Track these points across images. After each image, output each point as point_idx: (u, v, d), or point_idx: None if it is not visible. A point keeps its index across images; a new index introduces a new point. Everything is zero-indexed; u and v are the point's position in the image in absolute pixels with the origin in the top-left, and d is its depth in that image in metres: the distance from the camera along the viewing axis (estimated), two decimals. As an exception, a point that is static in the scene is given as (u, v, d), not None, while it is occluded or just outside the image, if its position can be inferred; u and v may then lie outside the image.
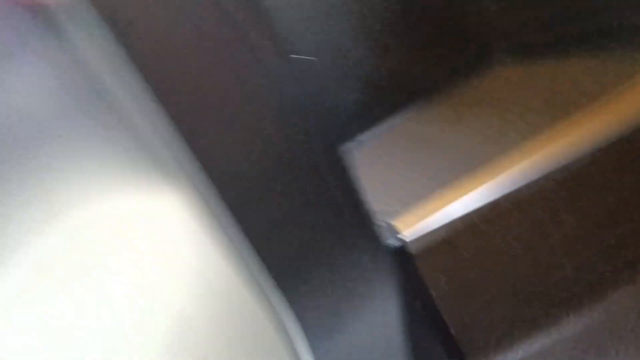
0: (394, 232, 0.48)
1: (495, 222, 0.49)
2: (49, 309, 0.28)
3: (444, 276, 0.51)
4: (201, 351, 0.33)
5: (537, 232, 0.49)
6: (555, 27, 0.73)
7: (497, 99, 0.72)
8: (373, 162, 0.66)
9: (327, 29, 0.79)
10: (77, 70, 0.31)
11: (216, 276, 0.35)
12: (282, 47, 0.40)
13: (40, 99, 0.28)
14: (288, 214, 0.37)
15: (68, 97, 0.29)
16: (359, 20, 0.80)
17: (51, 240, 0.29)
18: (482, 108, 0.71)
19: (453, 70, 0.77)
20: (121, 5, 0.31)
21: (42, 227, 0.28)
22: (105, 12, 0.30)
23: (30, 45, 0.29)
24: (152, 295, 0.33)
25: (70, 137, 0.31)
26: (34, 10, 0.30)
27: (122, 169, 0.33)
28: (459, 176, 0.51)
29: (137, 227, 0.34)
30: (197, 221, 0.35)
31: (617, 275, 0.51)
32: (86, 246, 0.30)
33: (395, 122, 0.78)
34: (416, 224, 0.49)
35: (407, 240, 0.48)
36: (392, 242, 0.46)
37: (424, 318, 0.45)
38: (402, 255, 0.46)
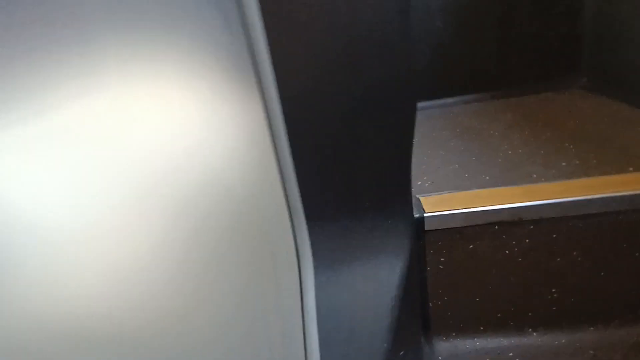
0: (419, 205, 0.53)
1: (510, 231, 0.53)
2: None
3: (444, 258, 0.56)
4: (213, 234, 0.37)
5: (545, 256, 0.53)
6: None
7: (563, 120, 0.72)
8: (427, 134, 0.67)
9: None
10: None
11: (256, 176, 0.39)
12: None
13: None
14: (341, 152, 0.40)
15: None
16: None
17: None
18: (546, 123, 0.71)
19: (538, 77, 0.76)
20: None
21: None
22: None
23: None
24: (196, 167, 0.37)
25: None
26: None
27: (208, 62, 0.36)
28: (496, 182, 0.54)
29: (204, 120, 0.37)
30: (254, 127, 0.39)
31: (597, 316, 0.56)
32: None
33: (467, 100, 0.79)
34: (439, 206, 0.54)
35: (425, 215, 0.53)
36: (416, 214, 0.50)
37: (415, 287, 0.50)
38: (419, 228, 0.50)
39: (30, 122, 0.30)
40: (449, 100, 0.82)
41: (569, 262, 0.53)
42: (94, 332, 0.35)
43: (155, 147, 0.35)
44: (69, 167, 0.32)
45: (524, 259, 0.54)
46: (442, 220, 0.53)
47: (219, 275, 0.38)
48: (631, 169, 0.55)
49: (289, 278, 0.44)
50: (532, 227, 0.52)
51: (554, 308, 0.56)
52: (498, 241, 0.53)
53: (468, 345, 0.59)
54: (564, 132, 0.67)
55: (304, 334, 0.45)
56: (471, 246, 0.55)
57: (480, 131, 0.69)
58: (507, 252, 0.54)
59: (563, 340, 0.57)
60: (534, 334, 0.58)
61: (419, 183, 0.57)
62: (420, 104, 0.84)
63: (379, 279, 0.46)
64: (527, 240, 0.53)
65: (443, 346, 0.57)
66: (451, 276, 0.56)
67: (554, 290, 0.55)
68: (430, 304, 0.57)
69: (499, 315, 0.58)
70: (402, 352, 0.50)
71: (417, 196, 0.55)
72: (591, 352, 0.53)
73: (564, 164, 0.58)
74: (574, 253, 0.53)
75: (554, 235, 0.53)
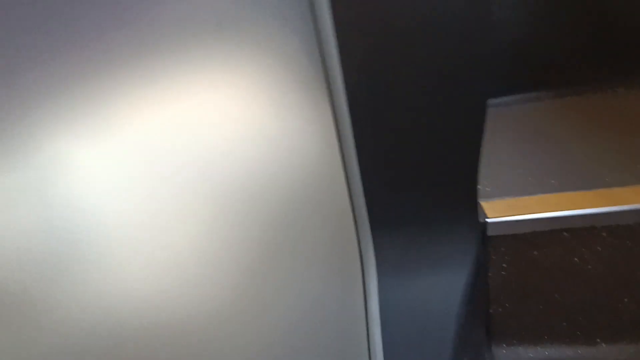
0: (482, 212, 0.51)
1: (582, 238, 0.50)
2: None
3: (506, 264, 0.54)
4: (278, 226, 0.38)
5: (618, 263, 0.50)
6: None
7: (636, 119, 0.67)
8: (496, 137, 0.65)
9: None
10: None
11: (323, 178, 0.39)
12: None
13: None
14: (407, 157, 0.40)
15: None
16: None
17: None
18: (618, 122, 0.67)
19: (608, 75, 0.71)
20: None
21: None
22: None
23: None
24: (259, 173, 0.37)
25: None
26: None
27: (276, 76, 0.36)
28: (566, 187, 0.51)
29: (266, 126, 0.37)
30: (323, 139, 0.39)
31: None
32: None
33: (535, 97, 0.75)
34: (502, 211, 0.52)
35: (489, 222, 0.51)
36: (481, 220, 0.49)
37: (479, 294, 0.49)
38: (483, 234, 0.49)
39: (109, 132, 0.31)
40: (517, 97, 0.79)
41: (644, 271, 0.50)
42: (165, 327, 0.36)
43: (232, 152, 0.36)
44: (148, 174, 0.33)
45: (595, 268, 0.51)
46: (507, 226, 0.51)
47: (285, 279, 0.39)
48: None
49: (353, 284, 0.44)
50: (604, 234, 0.50)
51: (625, 318, 0.53)
52: (567, 248, 0.51)
53: (531, 354, 0.57)
54: (638, 132, 0.63)
55: (368, 339, 0.45)
56: (536, 252, 0.53)
57: (549, 131, 0.66)
58: (576, 259, 0.52)
59: (632, 351, 0.54)
60: (603, 344, 0.55)
61: (481, 187, 0.55)
62: (490, 101, 0.81)
63: (443, 287, 0.45)
64: (599, 248, 0.50)
65: (505, 354, 0.56)
66: (515, 283, 0.54)
67: (626, 300, 0.53)
68: (491, 311, 0.55)
69: (564, 324, 0.55)
70: (465, 360, 0.49)
71: (480, 201, 0.54)
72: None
73: (639, 166, 0.54)
74: (651, 262, 0.50)
75: (628, 243, 0.50)
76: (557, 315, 0.55)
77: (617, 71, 0.79)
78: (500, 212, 0.51)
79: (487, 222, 0.52)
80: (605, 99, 0.71)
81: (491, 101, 0.74)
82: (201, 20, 0.31)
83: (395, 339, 0.45)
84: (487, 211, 0.52)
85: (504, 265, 0.54)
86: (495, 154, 0.58)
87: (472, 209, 0.43)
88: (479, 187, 0.54)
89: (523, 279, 0.54)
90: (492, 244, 0.52)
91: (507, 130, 0.64)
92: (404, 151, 0.41)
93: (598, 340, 0.54)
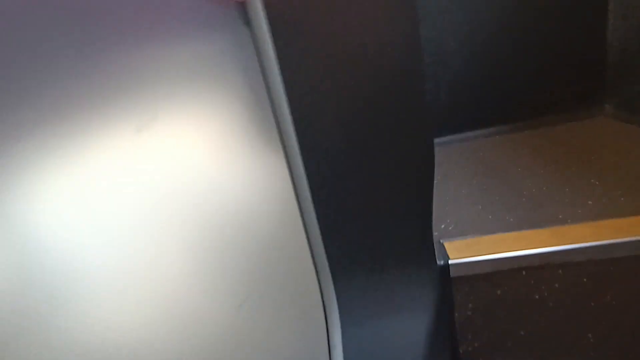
0: (445, 253, 0.53)
1: (539, 276, 0.52)
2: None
3: (471, 303, 0.55)
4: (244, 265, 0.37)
5: (577, 299, 0.52)
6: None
7: (587, 153, 0.71)
8: (449, 172, 0.67)
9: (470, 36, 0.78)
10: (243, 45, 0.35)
11: (282, 228, 0.39)
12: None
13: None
14: (362, 203, 0.40)
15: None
16: (499, 34, 0.77)
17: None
18: (570, 156, 0.70)
19: (562, 106, 0.75)
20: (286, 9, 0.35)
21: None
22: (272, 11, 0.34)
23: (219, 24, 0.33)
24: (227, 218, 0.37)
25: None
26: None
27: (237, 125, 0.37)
28: (522, 224, 0.53)
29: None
30: (279, 185, 0.40)
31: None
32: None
33: (487, 133, 0.78)
34: (464, 252, 0.53)
35: (451, 263, 0.53)
36: (440, 260, 0.50)
37: (445, 335, 0.50)
38: (444, 275, 0.50)
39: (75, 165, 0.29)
40: (469, 134, 0.82)
41: (602, 305, 0.52)
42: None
43: (190, 193, 0.35)
44: (113, 209, 0.33)
45: (555, 304, 0.53)
46: (468, 267, 0.53)
47: (248, 329, 0.39)
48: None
49: (316, 335, 0.44)
50: (560, 271, 0.51)
51: (592, 354, 0.54)
52: (527, 286, 0.53)
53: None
54: (590, 166, 0.66)
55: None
56: (499, 292, 0.54)
57: (502, 167, 0.68)
58: (537, 297, 0.53)
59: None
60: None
61: (443, 226, 0.57)
62: (439, 140, 0.84)
63: (405, 332, 0.46)
64: (556, 285, 0.52)
65: (476, 395, 0.56)
66: (481, 322, 0.55)
67: (589, 335, 0.54)
68: (461, 351, 0.56)
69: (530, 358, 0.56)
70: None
71: (442, 241, 0.55)
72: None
73: (590, 202, 0.57)
74: (607, 297, 0.51)
75: (584, 279, 0.52)
76: (525, 351, 0.56)
77: (565, 105, 0.82)
78: (462, 252, 0.53)
79: (449, 263, 0.53)
80: (554, 132, 0.74)
81: (443, 139, 0.76)
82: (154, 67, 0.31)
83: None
84: (450, 252, 0.53)
85: (470, 305, 0.55)
86: (454, 190, 0.60)
87: (429, 250, 0.45)
88: (442, 226, 0.55)
89: (489, 318, 0.55)
90: (456, 285, 0.54)
91: (463, 167, 0.67)
92: (358, 197, 0.43)
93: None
